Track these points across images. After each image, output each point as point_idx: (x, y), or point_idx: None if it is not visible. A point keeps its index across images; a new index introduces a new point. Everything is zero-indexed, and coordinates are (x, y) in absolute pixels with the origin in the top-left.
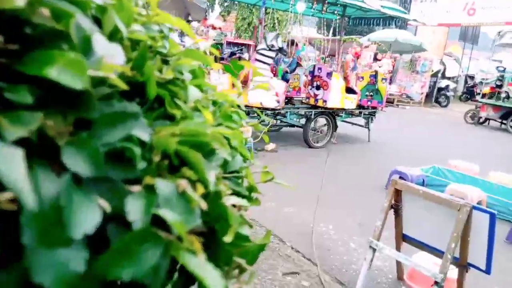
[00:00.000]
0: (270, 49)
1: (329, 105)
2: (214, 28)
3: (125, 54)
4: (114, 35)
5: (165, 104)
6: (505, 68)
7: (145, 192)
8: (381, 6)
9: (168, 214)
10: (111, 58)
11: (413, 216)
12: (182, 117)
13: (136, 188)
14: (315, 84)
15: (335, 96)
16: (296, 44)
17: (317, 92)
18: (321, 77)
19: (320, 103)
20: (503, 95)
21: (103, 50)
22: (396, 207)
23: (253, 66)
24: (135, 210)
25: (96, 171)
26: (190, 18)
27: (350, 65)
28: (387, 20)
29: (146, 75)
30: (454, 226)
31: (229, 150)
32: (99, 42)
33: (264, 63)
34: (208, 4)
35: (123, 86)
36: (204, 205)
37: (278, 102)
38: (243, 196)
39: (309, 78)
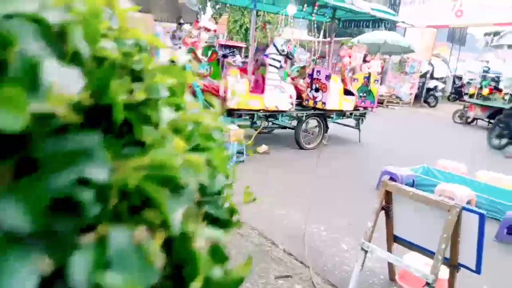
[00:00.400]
0: (280, 54)
1: (328, 107)
2: (207, 30)
3: (89, 77)
4: (77, 56)
5: (133, 130)
6: (489, 68)
7: (96, 244)
8: (371, 8)
9: (115, 278)
10: (66, 86)
11: (403, 217)
12: (152, 143)
13: (87, 239)
14: (314, 86)
15: (334, 98)
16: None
17: (316, 94)
18: (320, 79)
19: (319, 105)
20: (507, 97)
21: (55, 77)
22: (387, 209)
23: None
24: (79, 271)
25: (38, 224)
26: (181, 21)
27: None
28: (376, 23)
29: (110, 98)
30: (444, 227)
31: (206, 175)
32: (50, 69)
33: (275, 67)
34: (200, 6)
35: (74, 119)
36: (160, 262)
37: (291, 104)
38: (223, 221)
39: (308, 80)
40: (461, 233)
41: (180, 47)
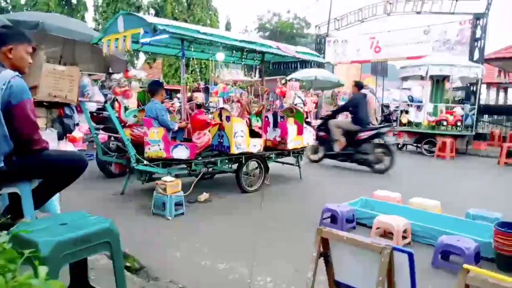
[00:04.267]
0: (302, 103)
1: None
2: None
3: None
4: None
5: None
6: (413, 98)
7: None
8: (296, 51)
9: None
10: None
11: (342, 261)
12: None
13: None
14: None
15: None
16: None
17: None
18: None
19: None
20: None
21: None
22: (325, 255)
23: None
24: None
25: None
26: (110, 71)
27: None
28: (304, 63)
29: None
30: (378, 270)
31: None
32: None
33: None
34: (130, 54)
35: None
36: None
37: (313, 140)
38: None
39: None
40: (396, 273)
41: (109, 98)
